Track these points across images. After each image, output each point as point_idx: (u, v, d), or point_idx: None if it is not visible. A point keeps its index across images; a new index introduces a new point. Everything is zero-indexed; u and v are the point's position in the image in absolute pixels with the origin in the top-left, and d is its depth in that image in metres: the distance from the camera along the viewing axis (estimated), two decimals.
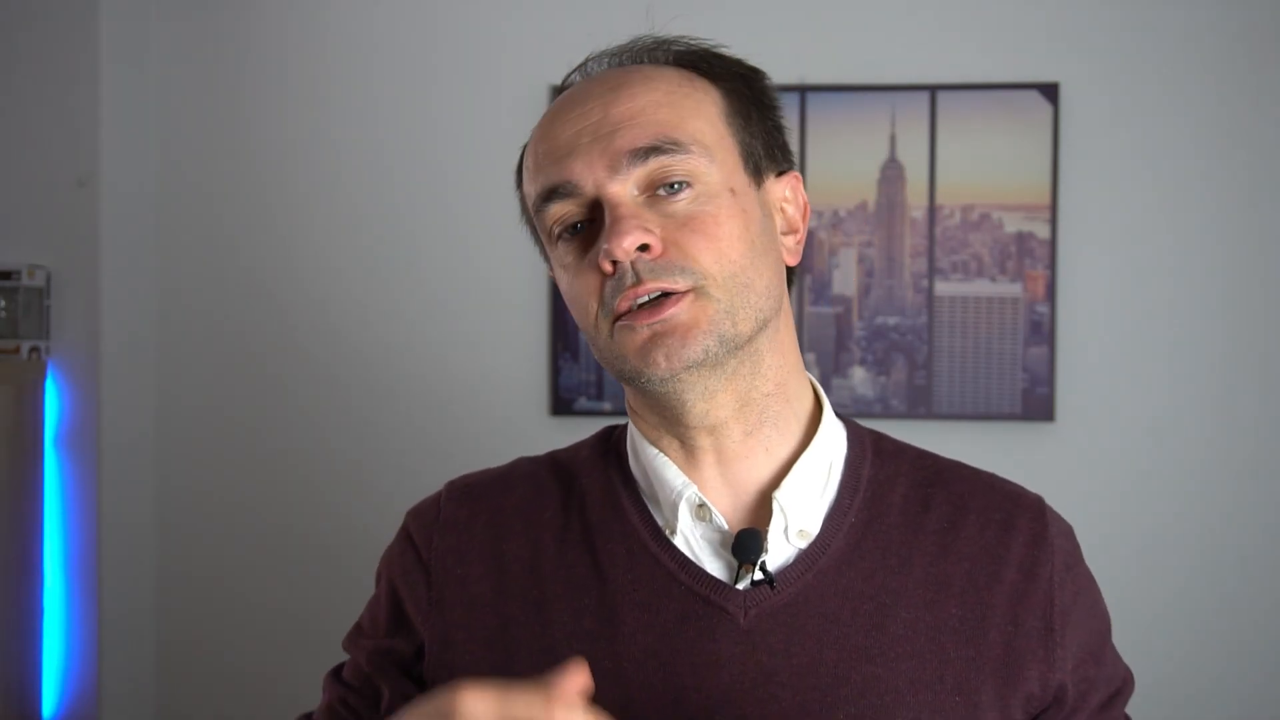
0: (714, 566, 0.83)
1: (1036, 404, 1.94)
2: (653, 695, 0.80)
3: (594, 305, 0.81)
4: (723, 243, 0.79)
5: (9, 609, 1.91)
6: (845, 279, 1.98)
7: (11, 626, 1.91)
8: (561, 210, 0.82)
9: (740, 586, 0.82)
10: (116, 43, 2.01)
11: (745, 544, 0.81)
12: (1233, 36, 1.94)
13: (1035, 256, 1.95)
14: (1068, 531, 0.89)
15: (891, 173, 1.97)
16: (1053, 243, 1.94)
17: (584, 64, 0.89)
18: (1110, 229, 1.96)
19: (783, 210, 0.87)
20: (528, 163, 0.86)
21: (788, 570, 0.82)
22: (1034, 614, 0.83)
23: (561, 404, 2.01)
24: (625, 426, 0.92)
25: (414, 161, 2.07)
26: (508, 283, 2.04)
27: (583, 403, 2.01)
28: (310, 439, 2.08)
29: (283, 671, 2.02)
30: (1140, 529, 1.94)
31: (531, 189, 0.85)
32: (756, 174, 0.85)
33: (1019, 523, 0.86)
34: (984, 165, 1.95)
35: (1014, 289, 1.95)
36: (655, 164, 0.79)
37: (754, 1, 1.99)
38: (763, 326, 0.82)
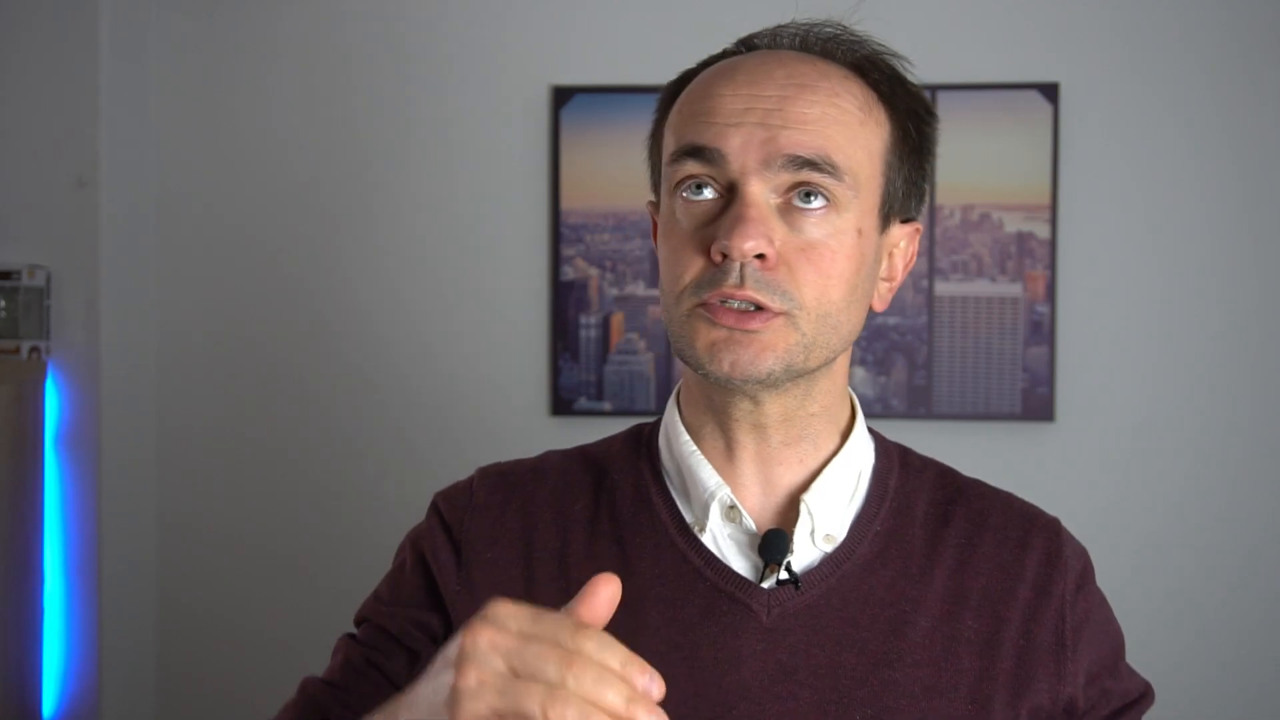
0: (740, 565, 0.85)
1: (1036, 404, 1.94)
2: (674, 688, 0.80)
3: (687, 280, 0.81)
4: (830, 280, 0.80)
5: (9, 609, 1.91)
6: None
7: (11, 626, 1.91)
8: (696, 170, 0.81)
9: (765, 585, 0.83)
10: (116, 42, 2.01)
11: (772, 544, 0.83)
12: (1232, 37, 1.94)
13: (1035, 256, 1.95)
14: (1081, 553, 0.90)
15: None
16: (1053, 243, 1.94)
17: (776, 30, 0.89)
18: (1110, 229, 1.96)
19: (890, 256, 0.88)
20: (682, 105, 0.85)
21: (812, 572, 0.84)
22: (1046, 629, 0.85)
23: (561, 404, 2.01)
24: (657, 423, 0.94)
25: (414, 162, 2.06)
26: (508, 283, 2.04)
27: (583, 403, 2.01)
28: (310, 439, 2.08)
29: (283, 671, 2.01)
30: (1140, 528, 1.94)
31: (676, 137, 0.84)
32: (887, 219, 0.85)
33: (1034, 541, 0.88)
34: (984, 165, 1.95)
35: (1014, 289, 1.95)
36: (805, 176, 0.79)
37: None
38: (830, 362, 0.84)
